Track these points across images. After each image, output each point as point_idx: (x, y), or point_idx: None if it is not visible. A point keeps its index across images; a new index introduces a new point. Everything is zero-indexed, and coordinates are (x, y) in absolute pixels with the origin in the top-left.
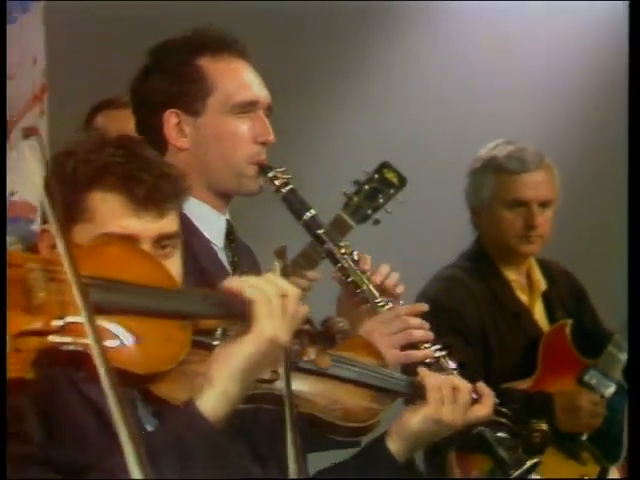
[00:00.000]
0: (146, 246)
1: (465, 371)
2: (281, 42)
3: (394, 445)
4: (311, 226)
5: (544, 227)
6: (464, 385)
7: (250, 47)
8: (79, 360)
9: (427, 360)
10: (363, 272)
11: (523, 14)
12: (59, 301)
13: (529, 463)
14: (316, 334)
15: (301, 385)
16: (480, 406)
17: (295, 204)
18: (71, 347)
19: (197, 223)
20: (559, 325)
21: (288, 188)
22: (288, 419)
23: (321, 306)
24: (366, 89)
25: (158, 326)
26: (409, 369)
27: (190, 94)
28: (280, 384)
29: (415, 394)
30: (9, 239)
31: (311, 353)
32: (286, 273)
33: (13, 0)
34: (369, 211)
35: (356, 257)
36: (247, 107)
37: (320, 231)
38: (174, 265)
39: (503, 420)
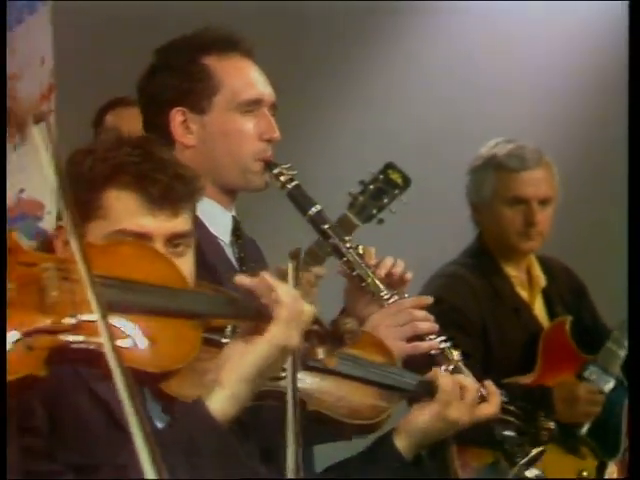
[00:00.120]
0: (159, 244)
1: (469, 361)
2: (285, 42)
3: (401, 442)
4: (316, 221)
5: (544, 224)
6: (471, 384)
7: (254, 47)
8: (91, 358)
9: (432, 351)
10: (368, 265)
11: (523, 14)
12: (72, 300)
13: (534, 451)
14: (325, 334)
15: (308, 382)
16: (487, 405)
17: (300, 200)
18: (83, 345)
19: (203, 219)
20: (559, 321)
21: (293, 184)
22: (290, 417)
23: (328, 301)
24: (369, 89)
25: (169, 325)
26: (411, 361)
27: (196, 92)
28: (286, 382)
29: (422, 392)
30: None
31: (320, 353)
32: (299, 274)
33: (21, 0)
34: (374, 211)
35: (361, 251)
36: (252, 105)
37: (325, 226)
38: (186, 264)
39: (510, 418)
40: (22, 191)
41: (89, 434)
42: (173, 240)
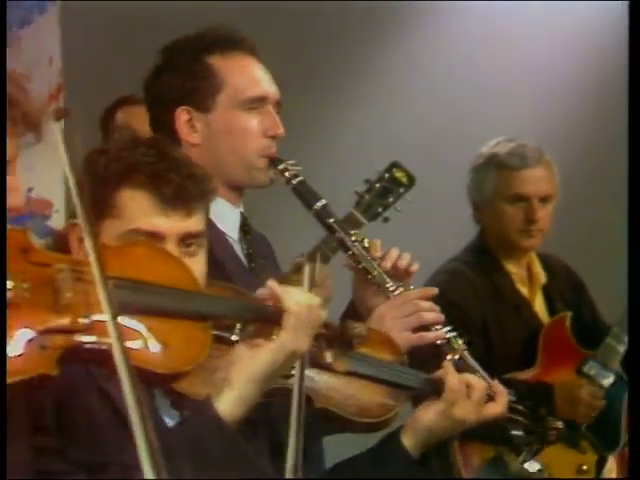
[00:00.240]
0: (171, 244)
1: (472, 349)
2: (287, 42)
3: (408, 440)
4: (322, 215)
5: (544, 221)
6: (478, 382)
7: (258, 47)
8: (103, 358)
9: (438, 341)
10: (373, 258)
11: (523, 14)
12: (85, 301)
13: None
14: (333, 338)
15: (316, 379)
16: (494, 404)
17: (305, 195)
18: (95, 346)
19: (211, 216)
20: (559, 317)
21: (298, 180)
22: (294, 417)
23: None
24: (372, 89)
25: (180, 327)
26: (417, 352)
27: (200, 91)
28: (294, 381)
29: (429, 390)
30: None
31: (329, 357)
32: (315, 276)
33: (31, 0)
34: (380, 209)
35: (366, 244)
36: (256, 102)
37: (331, 220)
38: (199, 263)
39: (519, 417)
40: (31, 190)
41: (99, 433)
42: (186, 240)
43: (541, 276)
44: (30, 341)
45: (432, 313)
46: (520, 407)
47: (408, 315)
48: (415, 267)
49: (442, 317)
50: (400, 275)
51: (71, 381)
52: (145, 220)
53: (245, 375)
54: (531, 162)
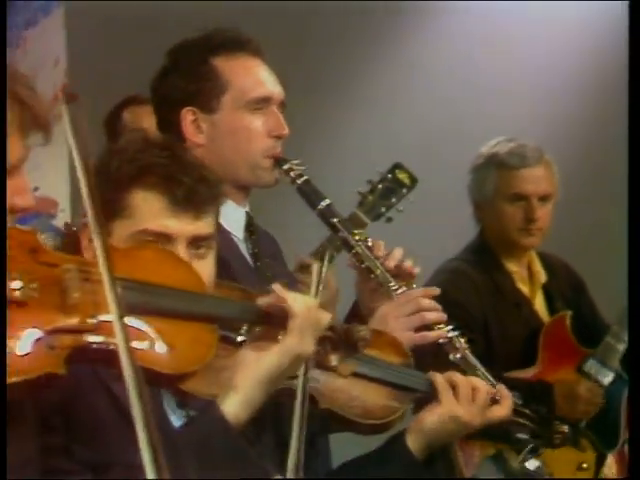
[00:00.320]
0: (181, 246)
1: (474, 347)
2: (289, 43)
3: (412, 442)
4: (326, 215)
5: (544, 220)
6: (483, 385)
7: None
8: (110, 358)
9: (440, 340)
10: (377, 257)
11: (523, 14)
12: (93, 301)
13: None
14: (338, 341)
15: (322, 381)
16: (499, 407)
17: (310, 194)
18: (103, 346)
19: None
20: (559, 316)
21: (303, 179)
22: (297, 419)
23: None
24: (373, 89)
25: (186, 328)
26: (419, 350)
27: (205, 92)
28: (297, 384)
29: (435, 393)
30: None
31: (333, 359)
32: (322, 275)
33: (37, 0)
34: (383, 209)
35: (370, 243)
36: (261, 103)
37: (335, 219)
38: (207, 265)
39: (525, 421)
40: (36, 189)
41: (105, 433)
42: (195, 242)
43: (541, 275)
44: (38, 340)
45: (434, 312)
46: (526, 411)
47: (410, 314)
48: (417, 270)
49: (444, 316)
50: (403, 276)
51: (78, 381)
52: (155, 221)
53: (251, 378)
54: (531, 162)
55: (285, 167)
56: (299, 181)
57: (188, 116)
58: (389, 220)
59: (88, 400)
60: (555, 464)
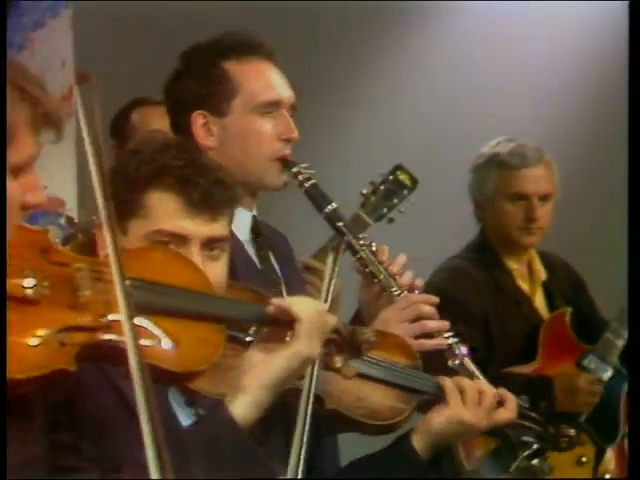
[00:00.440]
0: (195, 247)
1: (476, 355)
2: (289, 44)
3: (418, 442)
4: (332, 218)
5: (544, 219)
6: (489, 389)
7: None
8: (120, 356)
9: (440, 348)
10: (380, 262)
11: (523, 14)
12: (103, 300)
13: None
14: (343, 344)
15: (328, 381)
16: (504, 409)
17: (317, 198)
18: (114, 344)
19: None
20: (559, 313)
21: (311, 183)
22: (301, 416)
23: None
24: (375, 90)
25: (195, 328)
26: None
27: (216, 96)
28: (304, 385)
29: (442, 395)
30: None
31: (338, 362)
32: (332, 280)
33: (45, 0)
34: (385, 210)
35: (374, 248)
36: (270, 107)
37: (340, 223)
38: (220, 267)
39: (531, 424)
40: (44, 188)
41: (114, 432)
42: (209, 244)
43: (541, 273)
44: (49, 337)
45: (435, 322)
46: (532, 414)
47: (411, 320)
48: (419, 282)
49: (446, 325)
50: (408, 290)
51: (87, 379)
52: (171, 222)
53: (259, 381)
54: (531, 161)
55: (293, 170)
56: (307, 184)
57: (199, 119)
58: (391, 221)
59: (96, 398)
60: (554, 458)
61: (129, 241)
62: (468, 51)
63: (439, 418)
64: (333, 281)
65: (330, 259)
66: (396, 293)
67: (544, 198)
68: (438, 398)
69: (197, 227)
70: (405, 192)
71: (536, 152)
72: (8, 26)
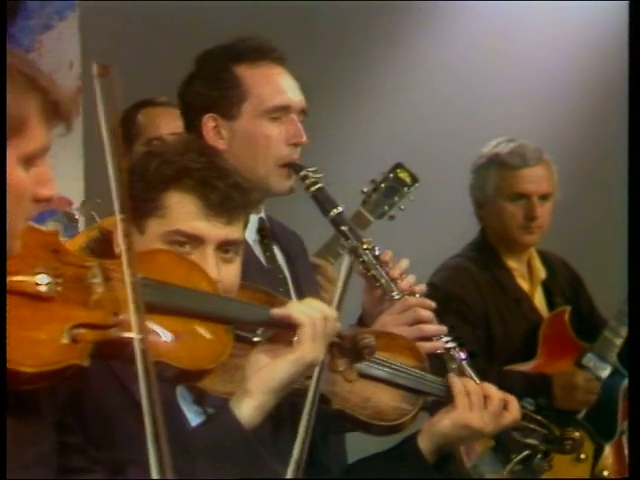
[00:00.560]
0: (210, 248)
1: (475, 360)
2: (289, 44)
3: (424, 444)
4: (337, 222)
5: (544, 218)
6: (495, 392)
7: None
8: (130, 354)
9: (438, 351)
10: (382, 266)
11: (524, 16)
12: (115, 298)
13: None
14: (345, 348)
15: (335, 382)
16: (507, 412)
17: (323, 201)
18: (124, 341)
19: None
20: (559, 311)
21: (317, 186)
22: (305, 416)
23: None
24: (377, 90)
25: (204, 327)
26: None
27: (227, 99)
28: (310, 386)
29: (448, 397)
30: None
31: (340, 365)
32: (346, 286)
33: (53, 0)
34: (386, 207)
35: (377, 252)
36: (279, 111)
37: (345, 227)
38: (234, 269)
39: (536, 427)
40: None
41: (121, 433)
42: (224, 246)
43: (541, 272)
44: (63, 333)
45: (432, 326)
46: (537, 417)
47: (408, 323)
48: (421, 287)
49: (444, 329)
50: (408, 294)
51: (95, 380)
52: (188, 223)
53: (265, 386)
54: (531, 161)
55: (301, 174)
56: (313, 188)
57: (209, 122)
58: (392, 218)
59: (105, 399)
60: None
61: (146, 240)
62: (468, 51)
63: (446, 420)
64: (347, 287)
65: (345, 264)
66: (397, 297)
67: (544, 198)
68: (446, 400)
69: (213, 229)
70: (405, 190)
71: (536, 152)
72: (16, 28)
